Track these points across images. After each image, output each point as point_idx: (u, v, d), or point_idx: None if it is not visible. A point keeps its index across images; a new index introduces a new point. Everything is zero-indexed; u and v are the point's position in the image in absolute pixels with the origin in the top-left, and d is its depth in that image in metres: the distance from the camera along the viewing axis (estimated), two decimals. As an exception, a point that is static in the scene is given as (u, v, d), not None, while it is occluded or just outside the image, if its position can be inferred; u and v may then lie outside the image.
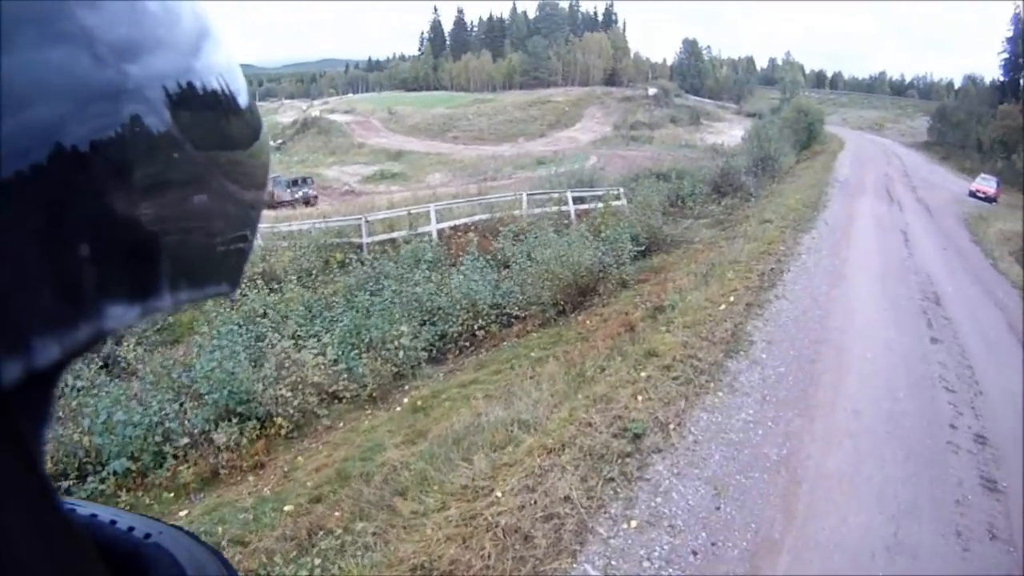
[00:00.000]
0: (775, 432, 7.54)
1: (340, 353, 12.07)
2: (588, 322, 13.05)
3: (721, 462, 6.86)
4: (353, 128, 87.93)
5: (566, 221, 21.23)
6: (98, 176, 0.33)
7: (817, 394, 8.63)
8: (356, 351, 12.18)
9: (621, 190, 24.37)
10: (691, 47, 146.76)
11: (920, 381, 9.52)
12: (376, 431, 9.58)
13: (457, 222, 21.51)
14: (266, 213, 34.94)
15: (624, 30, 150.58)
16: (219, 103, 0.44)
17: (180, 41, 0.42)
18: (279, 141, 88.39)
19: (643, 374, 8.58)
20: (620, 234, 16.70)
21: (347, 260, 18.59)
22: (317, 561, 5.81)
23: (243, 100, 0.47)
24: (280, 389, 10.18)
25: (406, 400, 10.92)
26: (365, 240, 20.41)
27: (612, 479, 6.35)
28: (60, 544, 0.35)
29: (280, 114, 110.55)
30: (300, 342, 12.28)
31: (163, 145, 0.37)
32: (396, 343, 12.00)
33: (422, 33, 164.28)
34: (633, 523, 5.84)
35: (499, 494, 6.13)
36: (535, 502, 5.98)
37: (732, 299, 11.45)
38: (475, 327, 13.63)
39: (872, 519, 6.24)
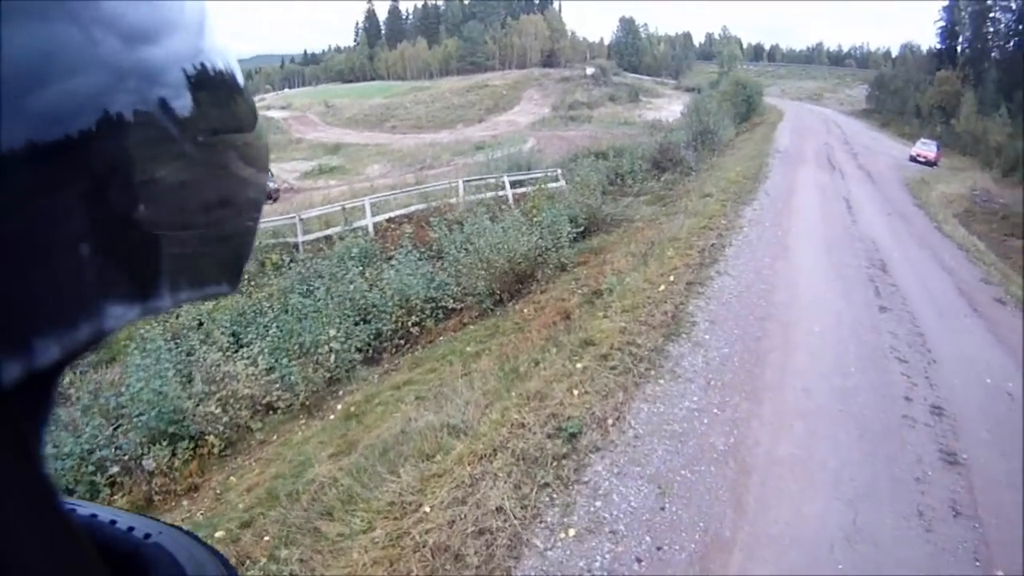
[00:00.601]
0: (721, 419, 7.04)
1: (274, 361, 11.57)
2: (525, 311, 12.56)
3: (664, 457, 6.35)
4: (290, 124, 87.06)
5: (504, 206, 20.87)
6: (126, 160, 0.34)
7: (764, 374, 8.15)
8: (289, 358, 11.66)
9: (559, 171, 24.24)
10: (628, 25, 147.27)
11: (871, 353, 9.13)
12: (308, 443, 9.21)
13: (393, 214, 21.32)
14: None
15: (560, 11, 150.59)
16: (227, 84, 0.45)
17: (189, 22, 0.42)
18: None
19: (579, 365, 8.09)
20: (558, 216, 16.23)
21: (282, 261, 18.20)
22: (242, 596, 5.20)
23: (241, 81, 0.47)
24: (210, 406, 9.85)
25: (339, 407, 10.54)
26: (300, 239, 20.13)
27: (547, 484, 5.88)
28: (60, 544, 0.35)
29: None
30: (230, 353, 11.97)
31: (188, 127, 0.38)
32: (327, 347, 11.64)
33: (357, 23, 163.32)
34: (571, 531, 5.38)
35: (427, 509, 5.73)
36: (465, 516, 5.55)
37: (672, 279, 10.99)
38: (409, 324, 13.18)
39: (829, 506, 5.86)
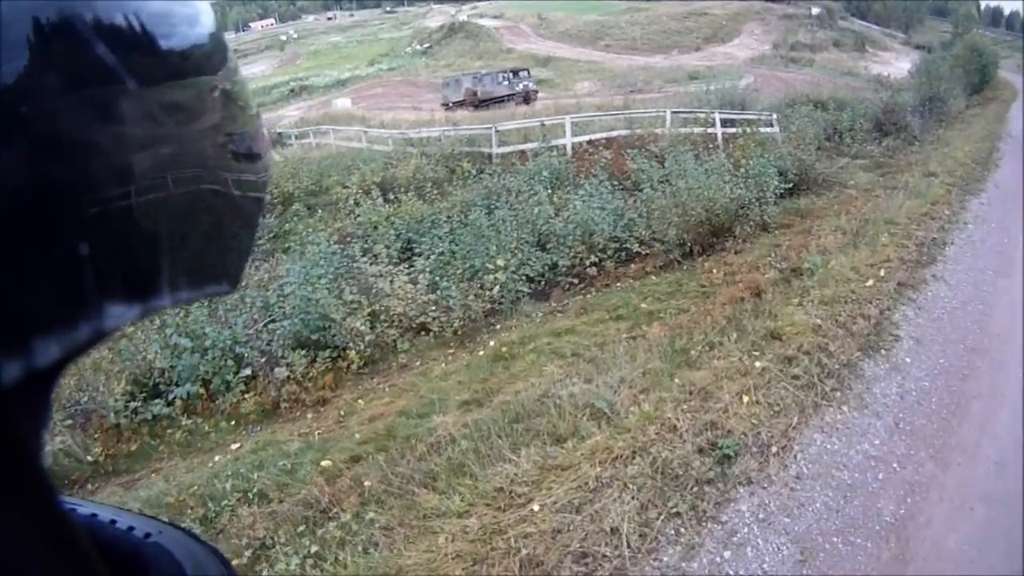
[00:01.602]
0: (898, 478, 5.84)
1: (438, 279, 11.05)
2: (715, 271, 11.31)
3: (821, 512, 5.31)
4: (502, 33, 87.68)
5: (711, 145, 19.40)
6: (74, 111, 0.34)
7: (961, 429, 6.77)
8: (452, 280, 11.03)
9: (774, 116, 22.59)
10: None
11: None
12: (448, 379, 8.54)
13: (594, 136, 20.05)
14: (409, 117, 34.68)
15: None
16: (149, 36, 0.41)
17: None
18: (426, 45, 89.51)
19: (758, 364, 7.11)
20: (766, 167, 14.91)
21: (473, 171, 17.78)
22: (314, 549, 5.13)
23: (202, 27, 0.46)
24: (357, 321, 9.48)
25: (492, 343, 9.78)
26: (495, 150, 19.47)
27: (679, 514, 5.08)
28: (60, 544, 0.35)
29: (428, 19, 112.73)
30: (391, 265, 11.54)
31: (140, 74, 0.38)
32: (493, 277, 10.89)
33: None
34: (684, 583, 4.54)
35: (536, 507, 5.15)
36: (574, 528, 4.93)
37: (883, 272, 9.74)
38: (587, 263, 12.10)
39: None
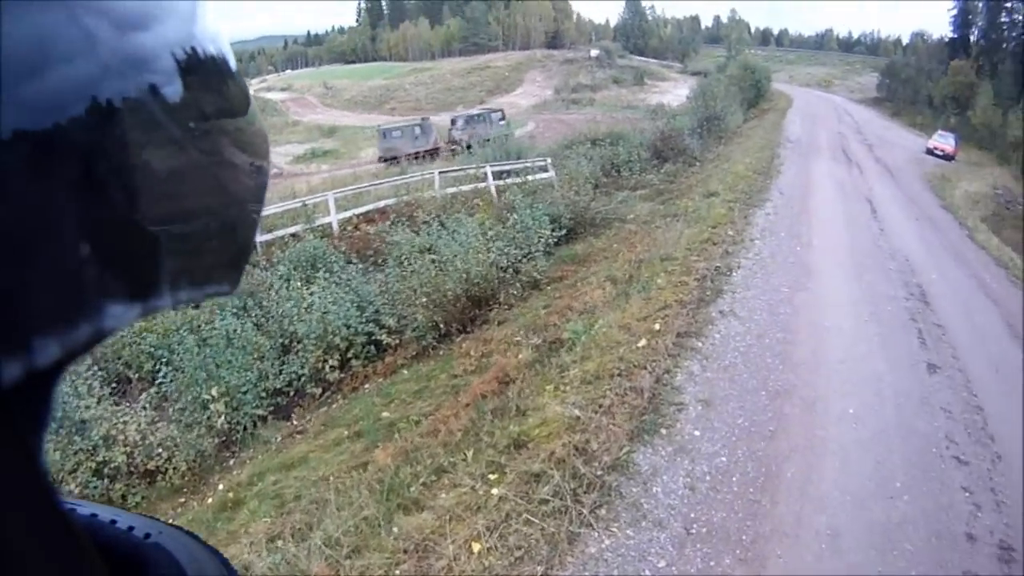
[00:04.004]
0: None
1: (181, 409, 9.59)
2: (472, 353, 9.75)
3: None
4: (288, 106, 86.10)
5: (485, 200, 18.54)
6: (118, 149, 0.34)
7: (776, 509, 5.47)
8: (184, 411, 9.55)
9: (548, 160, 21.74)
10: (634, 7, 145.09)
11: (922, 454, 6.60)
12: None
13: (360, 210, 18.93)
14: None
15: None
16: (217, 70, 0.44)
17: (180, 8, 0.42)
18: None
19: (496, 492, 5.50)
20: (537, 217, 13.95)
21: None
22: None
23: (234, 66, 0.46)
24: (72, 484, 8.30)
25: (221, 485, 8.41)
26: (257, 239, 17.15)
27: None
28: (60, 544, 0.35)
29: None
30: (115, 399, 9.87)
31: (179, 113, 0.38)
32: (214, 407, 9.42)
33: (359, 3, 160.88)
34: None
35: None
36: None
37: (658, 326, 8.41)
38: (326, 367, 10.45)
39: None
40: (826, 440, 6.45)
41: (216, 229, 0.42)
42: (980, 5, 70.94)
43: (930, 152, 37.30)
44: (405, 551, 4.92)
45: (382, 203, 19.20)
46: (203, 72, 0.41)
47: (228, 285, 0.45)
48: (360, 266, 13.24)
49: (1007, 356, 9.46)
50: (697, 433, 6.34)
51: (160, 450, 8.99)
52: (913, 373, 8.32)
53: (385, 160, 36.99)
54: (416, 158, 35.47)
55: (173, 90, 0.36)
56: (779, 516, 5.33)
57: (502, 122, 40.77)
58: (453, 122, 41.48)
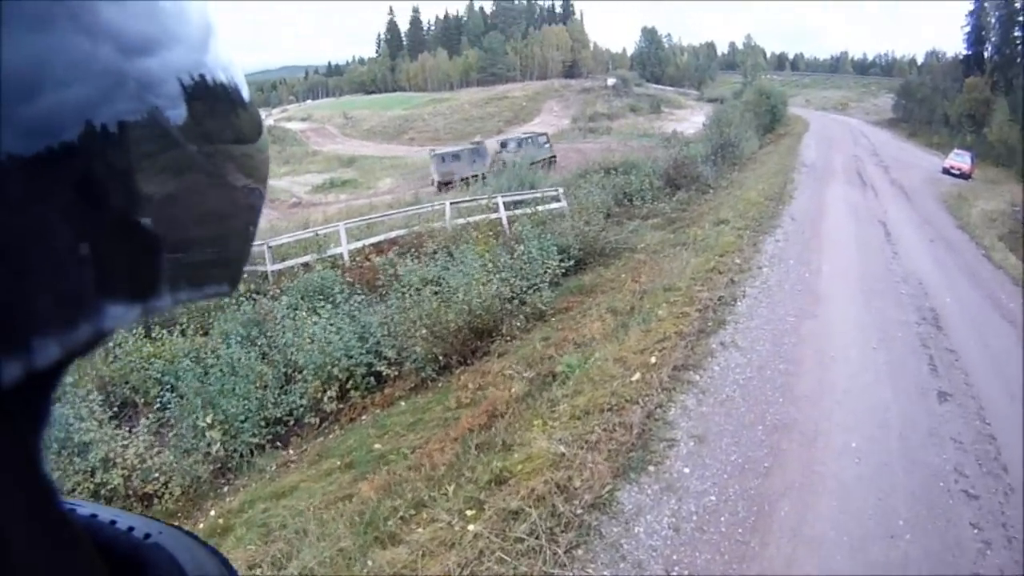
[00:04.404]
0: None
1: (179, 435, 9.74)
2: (470, 386, 9.62)
3: None
4: (308, 135, 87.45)
5: (497, 231, 18.31)
6: (119, 166, 0.34)
7: (766, 551, 5.22)
8: (183, 436, 9.68)
9: (560, 190, 21.48)
10: (651, 35, 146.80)
11: (929, 489, 6.32)
12: None
13: (371, 240, 19.10)
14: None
15: (582, 21, 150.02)
16: (227, 97, 0.45)
17: (191, 36, 0.43)
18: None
19: (472, 529, 5.34)
20: (544, 247, 13.92)
21: (250, 293, 15.57)
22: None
23: (246, 95, 0.48)
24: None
25: (213, 512, 8.50)
26: (269, 268, 17.89)
27: None
28: (60, 544, 0.36)
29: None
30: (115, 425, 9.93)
31: (181, 137, 0.39)
32: (210, 435, 9.55)
33: (379, 35, 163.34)
34: None
35: None
36: None
37: (654, 359, 8.21)
38: (324, 397, 10.47)
39: None
40: (825, 476, 6.22)
41: (214, 237, 0.43)
42: (993, 21, 70.42)
43: (946, 171, 36.81)
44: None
45: (393, 233, 19.24)
46: (211, 98, 0.41)
47: (227, 285, 0.45)
48: (366, 297, 13.29)
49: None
50: (687, 470, 6.14)
51: (157, 474, 9.13)
52: (922, 402, 8.06)
53: (444, 184, 37.55)
54: (470, 180, 36.00)
55: (177, 114, 0.37)
56: (768, 558, 5.12)
57: (547, 144, 42.40)
58: (504, 144, 42.28)
